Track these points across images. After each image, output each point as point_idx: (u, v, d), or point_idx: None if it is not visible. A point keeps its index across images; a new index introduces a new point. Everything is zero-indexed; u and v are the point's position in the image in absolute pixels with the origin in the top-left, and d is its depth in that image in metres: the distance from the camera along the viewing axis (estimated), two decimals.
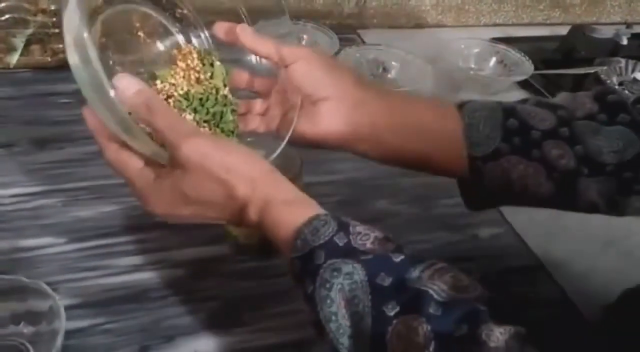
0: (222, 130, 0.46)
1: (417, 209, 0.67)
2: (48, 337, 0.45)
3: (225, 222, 0.42)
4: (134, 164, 0.41)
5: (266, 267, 0.55)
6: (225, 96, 0.47)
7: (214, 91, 0.46)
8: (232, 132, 0.47)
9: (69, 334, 0.46)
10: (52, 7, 0.75)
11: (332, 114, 0.45)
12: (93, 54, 0.35)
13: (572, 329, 0.55)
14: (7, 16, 0.75)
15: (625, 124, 0.44)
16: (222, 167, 0.38)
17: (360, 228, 0.37)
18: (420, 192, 0.69)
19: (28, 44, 0.77)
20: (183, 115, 0.44)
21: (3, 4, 0.74)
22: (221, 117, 0.46)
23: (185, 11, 0.50)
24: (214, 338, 0.50)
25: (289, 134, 0.45)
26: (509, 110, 0.46)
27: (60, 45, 0.78)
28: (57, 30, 0.77)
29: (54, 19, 0.76)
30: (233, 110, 0.47)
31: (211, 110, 0.46)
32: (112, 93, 0.38)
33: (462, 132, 0.46)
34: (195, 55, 0.47)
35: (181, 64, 0.46)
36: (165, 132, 0.39)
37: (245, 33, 0.46)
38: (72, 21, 0.36)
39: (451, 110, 0.47)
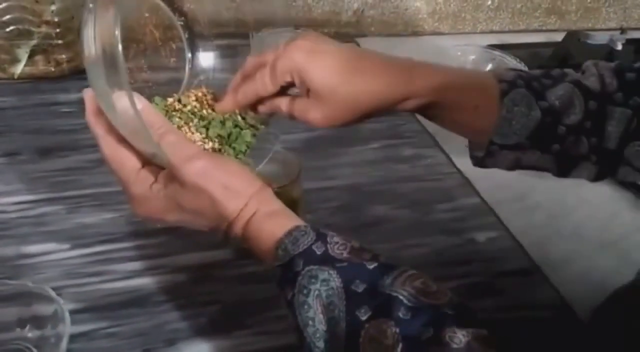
0: (234, 149, 0.47)
1: (415, 213, 0.68)
2: (53, 341, 0.46)
3: (208, 231, 0.43)
4: (132, 165, 0.41)
5: (266, 271, 0.56)
6: (244, 119, 0.49)
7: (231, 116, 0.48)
8: (243, 152, 0.48)
9: (73, 337, 0.47)
10: (56, 19, 0.76)
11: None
12: (120, 56, 0.35)
13: (568, 331, 0.56)
14: (11, 28, 0.76)
15: (635, 108, 0.46)
16: (220, 186, 0.40)
17: (337, 239, 0.38)
18: (418, 197, 0.70)
19: (32, 54, 0.79)
20: (193, 131, 0.46)
21: (8, 16, 0.75)
22: (236, 138, 0.48)
23: (189, 17, 0.51)
24: (216, 342, 0.50)
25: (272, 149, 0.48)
26: (544, 111, 0.46)
27: (64, 56, 0.80)
28: (60, 41, 0.78)
29: (58, 30, 0.77)
30: (254, 135, 0.49)
31: (229, 130, 0.47)
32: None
33: (493, 121, 0.46)
34: (207, 92, 0.49)
35: (194, 91, 0.48)
36: (167, 153, 0.39)
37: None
38: (105, 20, 0.36)
39: (491, 94, 0.47)
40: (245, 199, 0.40)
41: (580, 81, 0.48)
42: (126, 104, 0.35)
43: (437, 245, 0.64)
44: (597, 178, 0.49)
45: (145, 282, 0.55)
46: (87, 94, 0.42)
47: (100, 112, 0.41)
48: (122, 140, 0.41)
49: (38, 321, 0.47)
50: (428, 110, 0.47)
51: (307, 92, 0.45)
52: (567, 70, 0.50)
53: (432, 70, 0.46)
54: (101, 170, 0.66)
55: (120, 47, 0.34)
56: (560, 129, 0.46)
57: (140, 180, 0.41)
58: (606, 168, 0.48)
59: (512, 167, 0.49)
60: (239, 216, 0.40)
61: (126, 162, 0.41)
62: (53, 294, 0.47)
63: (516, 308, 0.57)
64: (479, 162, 0.51)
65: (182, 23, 0.49)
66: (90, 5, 0.37)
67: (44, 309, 0.47)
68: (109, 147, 0.41)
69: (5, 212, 0.60)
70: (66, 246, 0.57)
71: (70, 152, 0.69)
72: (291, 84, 0.46)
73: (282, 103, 0.46)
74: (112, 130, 0.41)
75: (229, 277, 0.56)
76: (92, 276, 0.54)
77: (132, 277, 0.55)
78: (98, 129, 0.41)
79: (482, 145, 0.49)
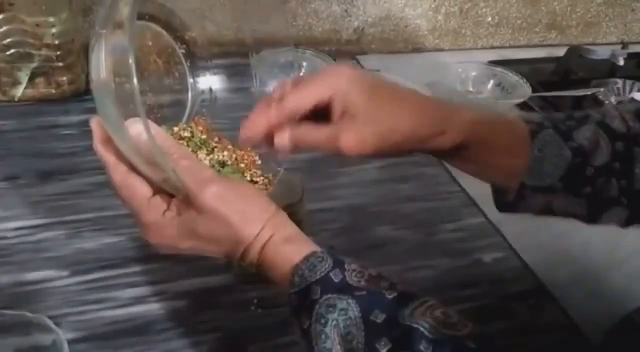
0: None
1: (420, 234, 0.67)
2: None
3: (222, 257, 0.42)
4: (143, 192, 0.40)
5: (269, 298, 0.55)
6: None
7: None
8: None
9: None
10: (56, 42, 0.76)
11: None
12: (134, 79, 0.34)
13: None
14: (12, 51, 0.76)
15: None
16: (236, 210, 0.39)
17: (354, 266, 0.37)
18: (422, 218, 0.69)
19: (33, 77, 0.79)
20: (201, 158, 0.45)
21: (8, 39, 0.75)
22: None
23: (190, 44, 0.51)
24: None
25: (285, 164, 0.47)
26: (574, 151, 0.46)
27: (65, 78, 0.80)
28: (61, 64, 0.78)
29: (58, 53, 0.77)
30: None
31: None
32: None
33: (526, 163, 0.46)
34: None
35: (202, 121, 0.48)
36: (184, 177, 0.38)
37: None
38: (117, 46, 0.36)
39: (523, 137, 0.46)
40: (261, 224, 0.39)
41: (604, 122, 0.47)
42: (140, 129, 0.35)
43: (443, 266, 0.63)
44: (627, 223, 0.47)
45: (145, 309, 0.54)
46: (95, 122, 0.41)
47: (108, 140, 0.40)
48: (132, 169, 0.40)
49: None
50: (460, 151, 0.45)
51: (339, 117, 0.42)
52: (589, 111, 0.49)
53: (465, 107, 0.46)
54: (101, 193, 0.66)
55: (135, 76, 0.33)
56: (589, 171, 0.45)
57: (152, 207, 0.40)
58: (637, 212, 0.47)
59: (541, 212, 0.48)
60: (255, 241, 0.39)
61: (138, 189, 0.40)
62: (51, 324, 0.46)
63: (524, 331, 0.56)
64: (506, 207, 0.50)
65: (183, 51, 0.49)
66: (100, 30, 0.37)
67: (43, 339, 0.46)
68: (120, 175, 0.40)
69: (4, 239, 0.59)
70: (66, 272, 0.56)
71: (70, 176, 0.68)
72: (320, 110, 0.43)
73: (307, 132, 0.42)
74: (121, 158, 0.40)
75: (231, 303, 0.55)
76: (91, 304, 0.54)
77: (133, 304, 0.54)
78: (108, 157, 0.40)
79: (507, 190, 0.48)
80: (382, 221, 0.68)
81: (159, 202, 0.41)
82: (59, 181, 0.68)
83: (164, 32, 0.48)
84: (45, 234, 0.60)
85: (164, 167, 0.37)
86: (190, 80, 0.50)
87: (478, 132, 0.45)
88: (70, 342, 0.46)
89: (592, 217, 0.48)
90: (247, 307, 0.55)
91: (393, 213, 0.69)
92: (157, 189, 0.41)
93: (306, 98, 0.41)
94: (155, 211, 0.40)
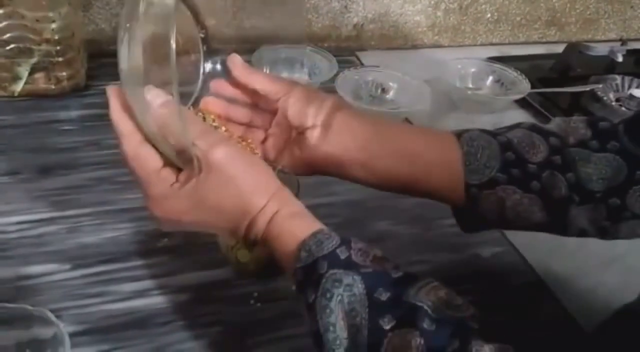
0: None
1: (418, 229, 0.67)
2: None
3: (227, 232, 0.42)
4: (154, 164, 0.40)
5: (268, 292, 0.56)
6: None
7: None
8: None
9: None
10: (56, 37, 0.76)
11: (321, 140, 0.46)
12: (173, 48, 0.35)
13: (574, 346, 0.55)
14: (12, 46, 0.76)
15: (615, 152, 0.45)
16: (245, 175, 0.40)
17: (360, 245, 0.38)
18: (421, 213, 0.69)
19: (32, 72, 0.79)
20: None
21: (8, 35, 0.75)
22: None
23: (208, 31, 0.51)
24: None
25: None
26: (504, 145, 0.46)
27: (64, 73, 0.80)
28: (60, 59, 0.78)
29: (58, 48, 0.77)
30: None
31: None
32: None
33: (460, 160, 0.46)
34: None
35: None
36: (197, 140, 0.39)
37: (238, 66, 0.47)
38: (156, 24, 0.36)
39: (448, 138, 0.48)
40: (267, 197, 0.40)
41: (535, 124, 0.48)
42: (159, 96, 0.37)
43: (441, 261, 0.63)
44: (601, 230, 0.47)
45: (146, 302, 0.54)
46: (112, 91, 0.41)
47: (124, 110, 0.41)
48: (145, 140, 0.41)
49: (38, 345, 0.46)
50: (400, 168, 0.47)
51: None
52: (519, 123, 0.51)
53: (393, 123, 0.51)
54: (101, 188, 0.66)
55: (174, 45, 0.34)
56: (531, 168, 0.45)
57: (161, 179, 0.41)
58: (605, 216, 0.46)
59: (500, 215, 0.47)
60: (260, 214, 0.40)
61: (149, 160, 0.40)
62: (52, 317, 0.46)
63: (522, 324, 0.57)
64: (467, 223, 0.50)
65: (202, 36, 0.49)
66: (127, 24, 0.37)
67: (44, 333, 0.46)
68: (132, 145, 0.40)
69: (5, 233, 0.59)
70: (67, 266, 0.57)
71: (70, 171, 0.69)
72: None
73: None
74: (136, 129, 0.41)
75: (231, 297, 0.55)
76: (92, 297, 0.54)
77: (133, 297, 0.54)
78: (122, 126, 0.41)
79: (457, 203, 0.48)
80: (381, 216, 0.68)
81: (169, 174, 0.41)
82: (59, 176, 0.68)
83: (189, 13, 0.47)
84: (46, 228, 0.61)
85: (184, 134, 0.37)
86: (204, 65, 0.50)
87: (410, 140, 0.48)
88: (72, 335, 0.46)
89: (554, 221, 0.46)
90: (246, 301, 0.55)
91: (392, 208, 0.69)
92: (167, 163, 0.41)
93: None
94: (163, 183, 0.40)
